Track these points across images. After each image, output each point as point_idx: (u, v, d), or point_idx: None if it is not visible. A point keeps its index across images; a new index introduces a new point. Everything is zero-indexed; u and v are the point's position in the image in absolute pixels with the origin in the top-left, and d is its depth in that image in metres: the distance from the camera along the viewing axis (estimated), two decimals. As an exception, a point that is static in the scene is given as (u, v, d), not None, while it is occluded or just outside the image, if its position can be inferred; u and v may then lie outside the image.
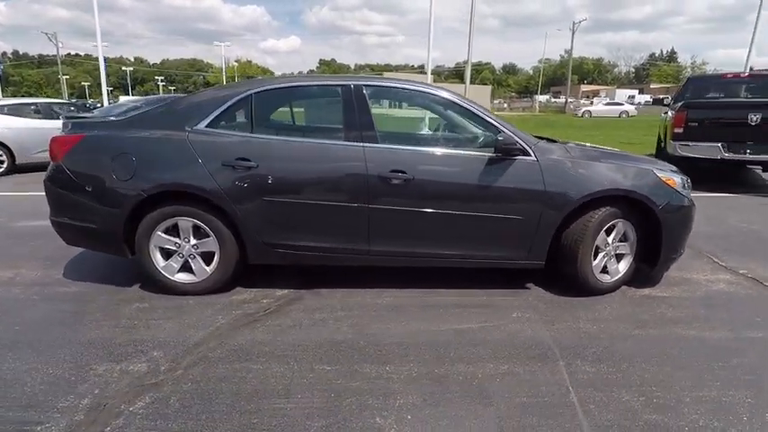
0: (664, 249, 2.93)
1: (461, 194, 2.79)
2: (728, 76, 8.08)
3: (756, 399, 1.95)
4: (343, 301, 2.88)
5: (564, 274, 2.96)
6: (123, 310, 2.71)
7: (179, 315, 2.65)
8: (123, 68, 65.67)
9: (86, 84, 66.87)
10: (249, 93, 2.84)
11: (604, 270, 2.97)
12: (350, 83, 2.86)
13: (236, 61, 56.76)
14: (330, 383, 2.02)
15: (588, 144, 3.49)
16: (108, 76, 33.72)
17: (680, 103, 6.76)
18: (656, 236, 2.92)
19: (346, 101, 2.82)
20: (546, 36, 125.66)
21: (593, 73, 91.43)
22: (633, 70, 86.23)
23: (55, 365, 2.13)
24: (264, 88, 2.87)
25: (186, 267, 2.88)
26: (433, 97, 2.97)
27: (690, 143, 6.48)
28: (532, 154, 2.80)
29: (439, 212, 2.80)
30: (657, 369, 2.17)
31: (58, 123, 8.32)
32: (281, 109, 3.13)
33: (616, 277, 3.01)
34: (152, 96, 9.10)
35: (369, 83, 2.88)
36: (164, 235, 2.81)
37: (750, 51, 15.82)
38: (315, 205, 2.76)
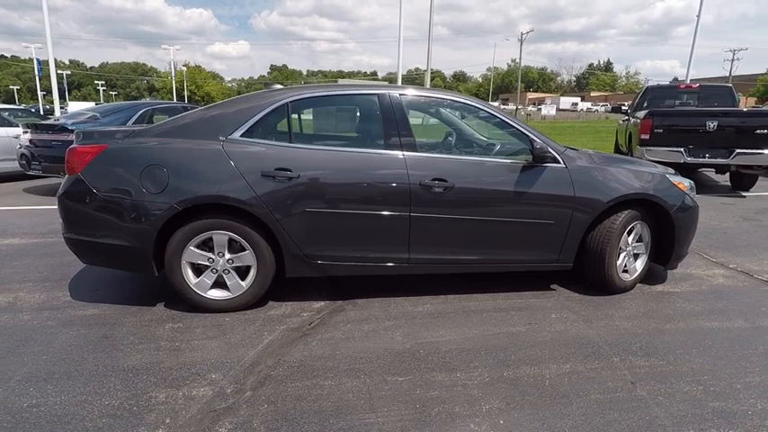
0: (676, 248, 3.16)
1: (498, 201, 2.87)
2: (681, 86, 8.85)
3: (793, 381, 2.16)
4: (384, 310, 2.86)
5: (590, 275, 3.11)
6: (157, 331, 2.54)
7: (221, 334, 2.53)
8: (59, 71, 61.16)
9: (15, 87, 61.62)
10: (285, 101, 2.77)
11: (624, 270, 3.16)
12: (387, 91, 2.87)
13: (184, 66, 54.63)
14: (409, 394, 2.01)
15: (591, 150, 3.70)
16: (40, 79, 31.22)
17: (644, 112, 7.29)
18: (669, 236, 3.15)
19: (385, 109, 2.82)
20: (495, 46, 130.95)
21: (538, 81, 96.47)
22: (574, 79, 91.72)
23: (108, 396, 1.96)
24: (301, 96, 2.82)
25: (219, 283, 2.75)
26: (470, 107, 3.04)
27: (655, 148, 7.00)
28: (562, 161, 2.94)
29: (476, 219, 2.86)
30: (701, 360, 2.34)
31: (13, 131, 7.72)
32: (317, 117, 3.08)
33: (634, 276, 3.21)
34: (107, 105, 8.54)
35: (406, 92, 2.90)
36: (196, 250, 2.67)
37: (690, 64, 17.35)
38: (357, 215, 2.74)
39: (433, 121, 3.60)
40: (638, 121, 7.47)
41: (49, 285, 3.17)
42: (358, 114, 3.03)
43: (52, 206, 5.73)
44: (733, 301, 3.09)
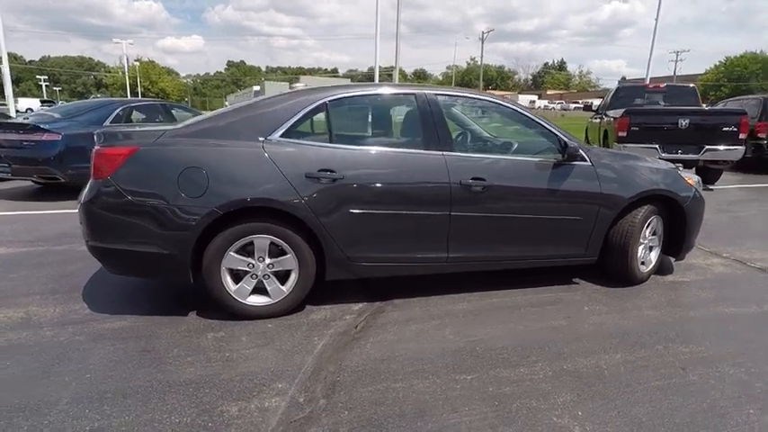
0: (687, 239, 3.37)
1: (531, 198, 2.95)
2: (650, 86, 9.38)
3: (817, 359, 2.36)
4: (424, 310, 2.87)
5: (613, 268, 3.25)
6: (200, 342, 2.43)
7: (269, 341, 2.45)
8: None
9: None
10: (324, 100, 2.71)
11: (642, 262, 3.33)
12: (423, 91, 2.87)
13: (137, 60, 51.74)
14: (483, 392, 2.03)
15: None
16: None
17: (621, 110, 7.67)
18: (680, 229, 3.35)
19: (423, 110, 2.82)
20: (456, 44, 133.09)
21: (497, 79, 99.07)
22: (531, 77, 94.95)
23: (176, 413, 1.86)
24: (339, 96, 2.76)
25: (258, 289, 2.66)
26: (502, 108, 3.09)
27: (632, 145, 7.38)
28: (588, 159, 3.06)
29: (511, 216, 2.93)
30: (733, 344, 2.51)
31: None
32: (355, 117, 3.03)
33: (650, 267, 3.38)
34: (79, 102, 8.01)
35: (442, 92, 2.92)
36: (236, 255, 2.57)
37: (649, 65, 18.39)
38: (399, 215, 2.73)
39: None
40: (614, 119, 7.86)
41: (61, 298, 2.95)
42: (395, 114, 3.01)
43: (31, 212, 5.35)
44: (738, 289, 3.33)
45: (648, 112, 7.73)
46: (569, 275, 3.44)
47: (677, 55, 50.78)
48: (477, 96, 3.12)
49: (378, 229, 2.72)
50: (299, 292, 2.70)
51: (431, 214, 2.76)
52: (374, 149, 2.77)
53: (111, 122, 6.52)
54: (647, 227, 3.26)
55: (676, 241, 3.41)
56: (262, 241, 2.58)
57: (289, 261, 2.64)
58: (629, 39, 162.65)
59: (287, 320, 2.68)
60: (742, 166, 8.85)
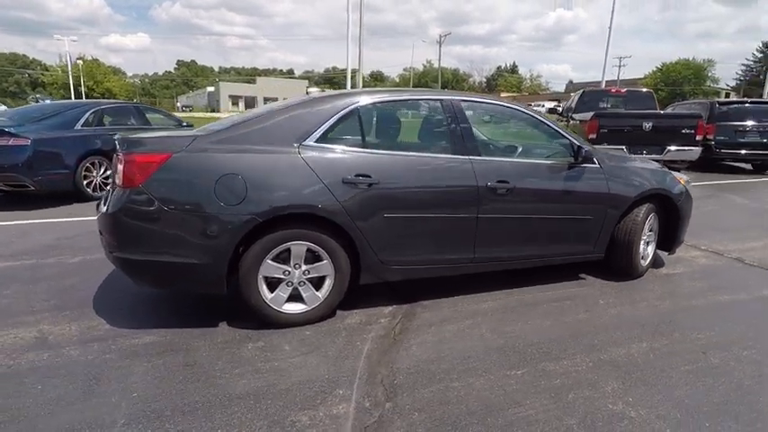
0: (679, 234, 3.65)
1: (549, 199, 3.10)
2: (612, 90, 10.01)
3: (809, 338, 2.65)
4: (453, 310, 2.94)
5: (617, 263, 3.47)
6: (242, 353, 2.37)
7: (314, 348, 2.43)
8: None
9: None
10: (355, 105, 2.72)
11: (642, 257, 3.57)
12: (449, 97, 2.95)
13: (79, 59, 48.24)
14: (537, 385, 2.13)
15: None
16: None
17: (590, 113, 8.13)
18: (673, 225, 3.62)
19: (449, 115, 2.90)
20: (413, 47, 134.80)
21: (452, 82, 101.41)
22: (485, 80, 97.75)
23: (247, 427, 1.82)
24: (370, 101, 2.79)
25: (293, 296, 2.63)
26: (520, 114, 3.22)
27: (600, 146, 7.85)
28: (596, 161, 3.25)
29: (531, 217, 3.06)
30: (739, 328, 2.76)
31: None
32: (385, 122, 3.04)
33: (647, 261, 3.63)
34: (45, 104, 7.46)
35: (466, 98, 3.02)
36: (273, 263, 2.53)
37: (604, 71, 19.51)
38: (431, 218, 2.79)
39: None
40: (582, 121, 8.33)
41: (72, 314, 2.77)
42: (424, 119, 3.06)
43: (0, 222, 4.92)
44: (724, 278, 3.65)
45: (616, 116, 8.26)
46: (575, 272, 3.64)
47: (620, 60, 54.21)
48: (497, 102, 3.24)
49: (410, 233, 2.76)
50: (334, 297, 2.69)
51: (460, 217, 2.84)
52: (406, 154, 2.82)
53: (82, 126, 6.15)
54: (647, 224, 3.51)
55: (668, 236, 3.69)
56: (298, 248, 2.55)
57: (325, 267, 2.63)
58: (574, 44, 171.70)
59: (323, 326, 2.67)
60: (693, 166, 9.62)
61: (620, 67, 53.36)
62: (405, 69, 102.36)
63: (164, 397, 2.00)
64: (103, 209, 2.53)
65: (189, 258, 2.39)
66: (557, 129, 3.24)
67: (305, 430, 1.81)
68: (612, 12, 19.88)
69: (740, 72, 66.86)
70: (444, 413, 1.92)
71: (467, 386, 2.12)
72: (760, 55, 64.80)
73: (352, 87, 15.79)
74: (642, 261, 3.56)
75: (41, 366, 2.22)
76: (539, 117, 3.24)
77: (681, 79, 58.48)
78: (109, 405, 1.94)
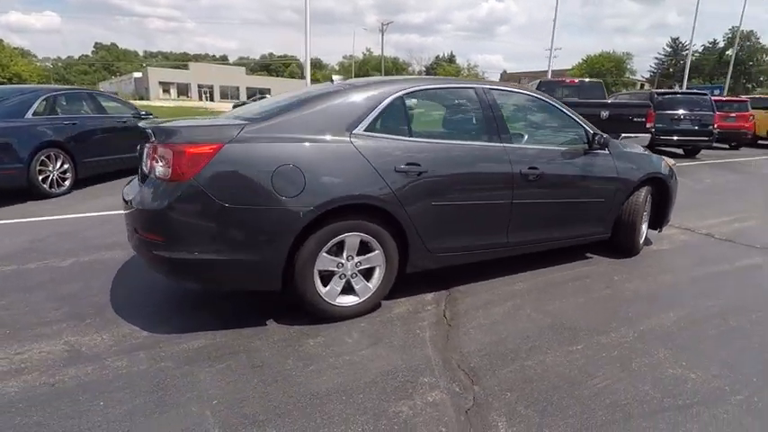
0: (668, 214, 4.01)
1: (570, 184, 3.28)
2: (566, 81, 10.60)
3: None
4: (490, 293, 3.03)
5: (621, 242, 3.74)
6: (307, 350, 2.30)
7: (378, 340, 2.41)
8: None
9: None
10: (399, 94, 2.69)
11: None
12: (481, 86, 3.00)
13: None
14: (598, 358, 2.28)
15: None
16: None
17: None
18: (663, 205, 3.97)
19: (483, 103, 2.95)
20: (354, 34, 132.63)
21: (393, 71, 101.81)
22: (424, 69, 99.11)
23: (351, 422, 1.78)
24: (411, 89, 2.76)
25: (345, 289, 2.58)
26: (540, 102, 3.34)
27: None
28: (606, 148, 3.47)
29: (556, 201, 3.22)
30: (738, 295, 3.11)
31: None
32: (425, 110, 3.00)
33: (643, 239, 3.96)
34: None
35: (496, 87, 3.08)
36: (327, 256, 2.46)
37: (550, 62, 20.48)
38: (473, 205, 2.84)
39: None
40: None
41: (95, 322, 2.52)
42: (461, 107, 3.08)
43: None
44: (704, 252, 4.07)
45: (577, 105, 8.75)
46: (582, 252, 3.88)
47: (551, 52, 57.42)
48: (520, 91, 3.34)
49: (454, 220, 2.80)
50: (384, 288, 2.68)
51: (497, 203, 2.93)
52: (449, 142, 2.84)
53: (33, 115, 5.49)
54: (646, 205, 3.81)
55: (658, 216, 4.04)
56: (353, 239, 2.50)
57: (376, 258, 2.60)
58: (506, 35, 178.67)
59: (375, 318, 2.65)
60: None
61: (551, 57, 56.61)
62: (344, 57, 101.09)
63: (248, 401, 1.90)
64: (137, 204, 2.31)
65: (246, 255, 2.26)
66: (573, 116, 3.41)
67: (411, 420, 1.81)
68: (556, 8, 20.88)
69: (653, 65, 73.37)
70: (533, 390, 2.01)
71: (540, 363, 2.22)
72: (669, 50, 71.45)
73: (307, 76, 15.37)
74: (640, 239, 3.88)
75: (90, 381, 2.01)
76: (557, 105, 3.39)
77: (604, 71, 63.08)
78: (193, 415, 1.81)
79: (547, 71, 54.87)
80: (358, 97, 2.61)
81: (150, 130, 2.33)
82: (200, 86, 54.74)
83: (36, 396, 1.90)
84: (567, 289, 3.14)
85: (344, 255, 2.52)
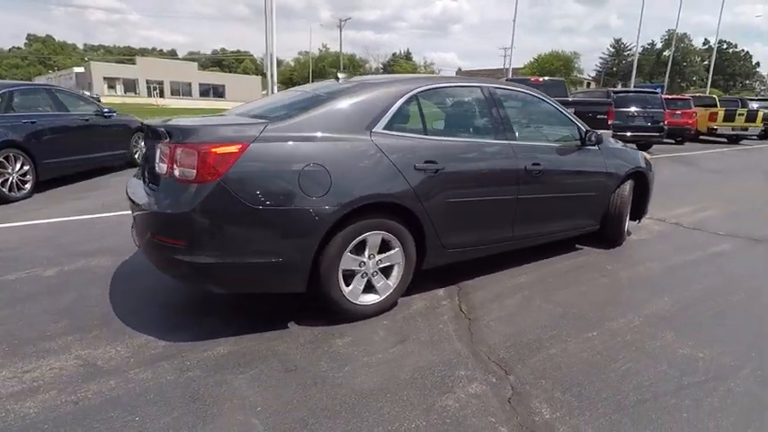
0: (647, 206, 4.28)
1: (567, 179, 3.42)
2: (531, 79, 10.99)
3: None
4: (498, 286, 3.12)
5: (609, 233, 3.95)
6: (338, 350, 2.28)
7: (405, 337, 2.43)
8: None
9: None
10: (415, 92, 2.71)
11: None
12: (486, 85, 3.08)
13: None
14: (615, 342, 2.41)
15: None
16: None
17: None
18: (642, 197, 4.23)
19: (489, 101, 3.03)
20: (311, 30, 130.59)
21: (349, 68, 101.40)
22: (381, 66, 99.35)
23: (404, 418, 1.80)
24: (425, 87, 2.79)
25: (366, 287, 2.58)
26: (536, 100, 3.46)
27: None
28: (600, 144, 3.65)
29: (555, 196, 3.36)
30: (718, 279, 3.37)
31: None
32: (437, 108, 3.01)
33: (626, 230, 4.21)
34: None
35: (498, 86, 3.18)
36: (351, 255, 2.45)
37: (511, 61, 21.11)
38: (483, 201, 2.92)
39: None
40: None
41: (103, 334, 2.38)
42: (469, 105, 3.12)
43: None
44: (678, 240, 4.37)
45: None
46: (572, 244, 4.06)
47: (505, 51, 59.34)
48: (520, 89, 3.44)
49: (467, 216, 2.86)
50: (402, 285, 2.70)
51: (504, 198, 3.02)
52: (461, 140, 2.90)
53: (-11, 111, 5.04)
54: (631, 197, 4.05)
55: (638, 208, 4.30)
56: (374, 238, 2.50)
57: (396, 255, 2.62)
58: (460, 34, 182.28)
59: (395, 315, 2.67)
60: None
61: (505, 57, 58.51)
62: (300, 53, 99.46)
63: (293, 406, 1.87)
64: (154, 207, 2.20)
65: (273, 257, 2.21)
66: (566, 114, 3.56)
67: (460, 412, 1.85)
68: (516, 8, 21.61)
69: (598, 64, 77.39)
70: (564, 376, 2.10)
71: (563, 351, 2.32)
72: (612, 50, 75.59)
73: (272, 73, 15.00)
74: (625, 230, 4.11)
75: (118, 396, 1.90)
76: (552, 103, 3.53)
77: (553, 69, 65.88)
78: (240, 424, 1.76)
79: (501, 69, 56.58)
80: (374, 95, 2.61)
81: (165, 130, 2.21)
82: (148, 82, 52.00)
83: (62, 416, 1.78)
84: (568, 279, 3.29)
85: (366, 253, 2.51)
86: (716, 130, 14.54)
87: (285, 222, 2.20)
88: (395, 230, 2.55)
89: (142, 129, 8.05)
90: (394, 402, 1.90)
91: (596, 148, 3.64)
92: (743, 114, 14.37)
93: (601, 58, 76.59)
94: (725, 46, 71.43)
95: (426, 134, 2.72)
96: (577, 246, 4.03)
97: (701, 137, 15.08)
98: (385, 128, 2.55)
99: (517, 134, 3.16)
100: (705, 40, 74.25)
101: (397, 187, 2.47)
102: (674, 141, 14.44)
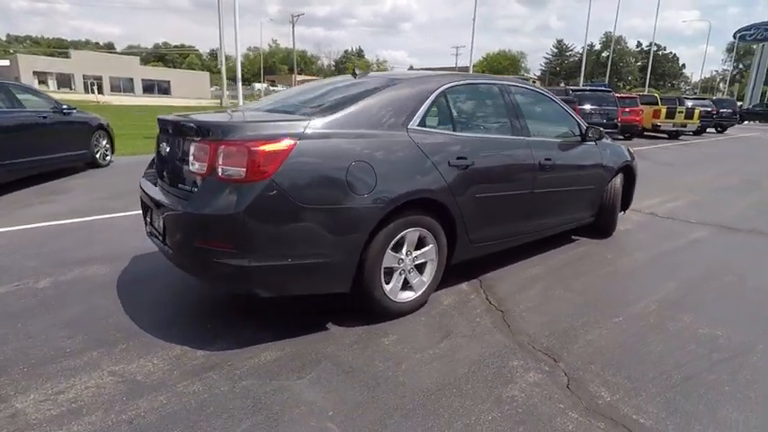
0: (632, 196, 4.56)
1: (572, 173, 3.58)
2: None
3: None
4: (515, 278, 3.21)
5: (603, 224, 4.16)
6: (387, 349, 2.26)
7: (448, 332, 2.45)
8: None
9: None
10: (443, 88, 2.72)
11: (613, 216, 4.36)
12: (503, 82, 3.15)
13: None
14: (641, 326, 2.56)
15: None
16: None
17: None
18: (629, 188, 4.49)
19: (506, 98, 3.10)
20: (261, 25, 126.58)
21: (301, 64, 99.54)
22: (333, 63, 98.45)
23: (479, 412, 1.81)
24: (453, 84, 2.81)
25: (404, 284, 2.57)
26: (542, 97, 3.56)
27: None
28: (601, 140, 3.84)
29: (563, 189, 3.50)
30: (706, 264, 3.66)
31: None
32: (462, 105, 3.00)
33: (615, 220, 4.46)
34: None
35: (512, 83, 3.26)
36: (391, 252, 2.43)
37: (471, 58, 21.56)
38: (505, 196, 2.99)
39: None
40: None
41: (130, 347, 2.21)
42: (489, 102, 3.15)
43: None
44: (658, 229, 4.69)
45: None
46: (568, 236, 4.25)
47: (457, 49, 60.76)
48: (529, 87, 3.54)
49: (491, 210, 2.92)
50: (435, 281, 2.72)
51: (523, 192, 3.11)
52: (486, 136, 2.94)
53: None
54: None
55: (625, 199, 4.57)
56: (413, 234, 2.50)
57: (430, 252, 2.62)
58: (410, 32, 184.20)
59: (428, 311, 2.68)
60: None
61: (456, 55, 59.93)
62: (249, 49, 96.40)
63: (364, 407, 1.83)
64: (192, 209, 2.07)
65: (322, 257, 2.15)
66: (567, 110, 3.72)
67: (528, 401, 1.89)
68: (475, 8, 22.14)
69: (542, 64, 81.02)
70: (609, 359, 2.21)
71: (598, 337, 2.44)
72: (555, 50, 79.39)
73: (228, 69, 14.39)
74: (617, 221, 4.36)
75: (173, 412, 1.78)
76: (555, 99, 3.67)
77: (502, 68, 68.30)
78: (316, 430, 1.70)
79: (454, 67, 57.81)
80: (406, 92, 2.59)
81: (198, 126, 2.09)
82: (85, 77, 48.45)
83: (120, 437, 1.64)
84: (576, 269, 3.44)
85: (404, 250, 2.50)
86: (659, 126, 15.68)
87: (334, 221, 2.14)
88: (430, 227, 2.56)
89: (103, 127, 7.58)
90: (462, 396, 1.92)
91: (593, 143, 3.83)
92: (682, 112, 15.61)
93: (545, 58, 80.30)
94: (655, 48, 77.14)
95: (455, 130, 2.75)
96: (573, 237, 4.22)
97: (646, 133, 16.21)
98: (419, 124, 2.54)
99: (530, 130, 3.26)
100: (638, 42, 79.85)
101: (434, 183, 2.48)
102: (623, 137, 15.43)
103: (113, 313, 2.55)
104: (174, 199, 2.24)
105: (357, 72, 3.04)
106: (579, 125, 3.73)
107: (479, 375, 2.07)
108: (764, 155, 12.78)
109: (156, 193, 2.39)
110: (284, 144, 2.02)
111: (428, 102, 2.62)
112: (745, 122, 29.25)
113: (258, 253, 2.03)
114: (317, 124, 2.18)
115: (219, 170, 2.03)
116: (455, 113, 2.80)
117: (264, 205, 1.99)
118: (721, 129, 21.09)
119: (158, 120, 2.58)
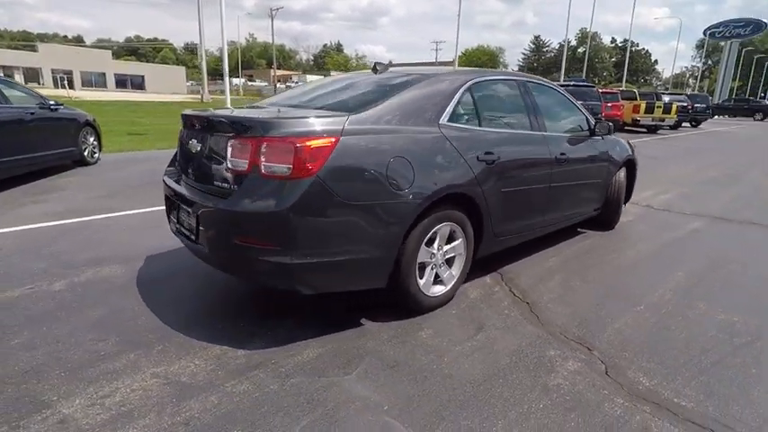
0: (632, 189, 4.70)
1: (583, 167, 3.66)
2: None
3: None
4: (532, 271, 3.28)
5: (607, 217, 4.29)
6: (426, 343, 2.29)
7: (481, 325, 2.49)
8: None
9: None
10: (468, 84, 2.75)
11: (616, 209, 4.49)
12: (521, 78, 3.19)
13: None
14: (662, 314, 2.66)
15: None
16: None
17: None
18: (630, 182, 4.63)
19: (525, 94, 3.16)
20: (238, 18, 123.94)
21: (280, 58, 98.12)
22: (312, 58, 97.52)
23: (528, 399, 1.85)
24: (477, 80, 2.84)
25: (434, 279, 2.60)
26: (554, 92, 3.63)
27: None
28: (609, 135, 3.94)
29: (575, 183, 3.59)
30: (708, 253, 3.81)
31: None
32: (485, 100, 3.01)
33: (617, 213, 4.59)
34: None
35: (529, 79, 3.32)
36: (425, 247, 2.45)
37: (456, 54, 21.62)
38: (527, 190, 3.05)
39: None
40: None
41: (167, 348, 2.17)
42: (510, 97, 3.18)
43: None
44: (657, 221, 4.85)
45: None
46: (575, 229, 4.35)
47: (437, 44, 61.05)
48: (543, 82, 3.60)
49: (514, 204, 2.98)
50: (463, 275, 2.75)
51: (541, 186, 3.17)
52: (510, 131, 2.99)
53: None
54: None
55: (626, 192, 4.70)
56: (445, 229, 2.53)
57: (459, 246, 2.66)
58: (387, 27, 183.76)
59: (457, 305, 2.71)
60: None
61: (437, 50, 60.18)
62: (228, 43, 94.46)
63: (417, 400, 1.86)
64: (233, 206, 2.04)
65: (363, 253, 2.16)
66: (577, 105, 3.80)
67: (573, 388, 1.95)
68: (460, 4, 22.22)
69: (520, 59, 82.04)
70: (640, 347, 2.29)
71: (626, 325, 2.52)
72: (533, 46, 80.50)
73: (207, 62, 14.05)
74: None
75: (229, 412, 1.76)
76: (565, 94, 3.74)
77: (481, 63, 68.92)
78: (376, 424, 1.72)
79: (434, 62, 57.93)
80: (436, 87, 2.61)
81: (236, 122, 2.06)
82: (54, 72, 46.57)
83: (179, 439, 1.62)
84: (589, 260, 3.54)
85: (435, 245, 2.53)
86: (639, 121, 16.14)
87: (375, 217, 2.15)
88: (460, 221, 2.59)
89: (91, 123, 7.33)
90: (509, 387, 1.96)
91: (600, 138, 3.93)
92: (660, 107, 16.10)
93: (522, 53, 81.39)
94: (629, 44, 79.05)
95: (481, 126, 2.78)
96: (579, 230, 4.33)
97: (626, 127, 16.66)
98: (449, 120, 2.57)
99: (547, 125, 3.32)
100: (613, 38, 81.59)
101: (466, 178, 2.51)
102: (604, 131, 15.81)
103: (139, 314, 2.50)
104: (209, 197, 2.20)
105: (378, 68, 3.03)
106: (587, 120, 3.82)
107: (521, 365, 2.12)
108: (739, 148, 13.32)
109: (184, 190, 2.35)
110: (328, 140, 2.01)
111: (456, 97, 2.64)
112: (716, 117, 30.35)
113: (301, 250, 2.02)
114: (355, 120, 2.18)
115: (262, 167, 2.00)
116: (480, 109, 2.82)
117: (310, 202, 1.98)
118: (696, 123, 21.83)
119: (182, 115, 2.53)
